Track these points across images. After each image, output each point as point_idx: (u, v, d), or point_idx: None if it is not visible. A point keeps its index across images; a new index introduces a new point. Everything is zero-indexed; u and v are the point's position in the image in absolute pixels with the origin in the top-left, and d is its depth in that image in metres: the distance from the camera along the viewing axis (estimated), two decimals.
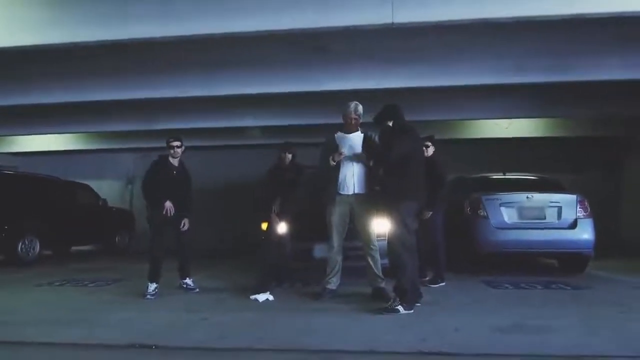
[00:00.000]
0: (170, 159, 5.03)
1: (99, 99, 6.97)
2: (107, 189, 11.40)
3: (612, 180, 10.95)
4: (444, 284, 5.29)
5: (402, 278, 3.93)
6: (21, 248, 7.65)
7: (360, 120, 4.55)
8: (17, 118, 8.70)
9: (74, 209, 9.19)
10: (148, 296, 4.70)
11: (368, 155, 4.37)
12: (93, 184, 10.40)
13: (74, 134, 10.72)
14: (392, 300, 3.90)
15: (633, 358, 2.74)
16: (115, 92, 6.78)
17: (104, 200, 10.20)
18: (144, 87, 6.55)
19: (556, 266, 6.85)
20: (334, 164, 4.41)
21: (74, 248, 9.87)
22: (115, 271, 6.98)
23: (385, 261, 4.55)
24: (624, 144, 10.66)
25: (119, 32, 4.62)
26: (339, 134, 4.56)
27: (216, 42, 5.10)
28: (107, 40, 4.74)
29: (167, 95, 6.69)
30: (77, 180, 9.96)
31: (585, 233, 5.93)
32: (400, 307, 3.82)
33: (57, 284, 5.80)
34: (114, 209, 10.76)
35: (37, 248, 7.98)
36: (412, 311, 3.86)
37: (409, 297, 3.90)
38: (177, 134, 5.22)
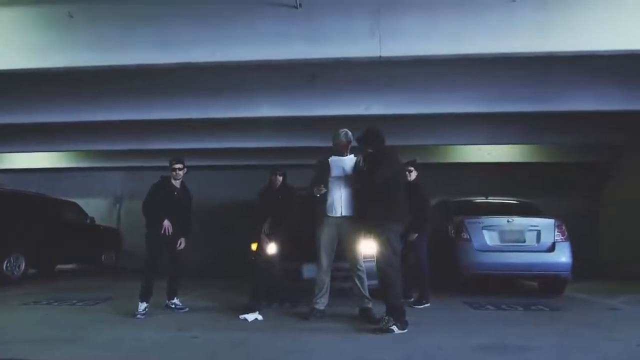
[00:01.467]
0: (172, 181, 5.16)
1: (92, 120, 7.10)
2: (95, 207, 11.39)
3: (590, 204, 11.35)
4: (428, 305, 5.43)
5: (392, 296, 4.07)
6: (6, 266, 7.59)
7: (351, 146, 4.75)
8: (6, 135, 8.73)
9: (61, 226, 9.15)
10: (138, 315, 4.74)
11: (354, 180, 4.56)
12: (81, 202, 10.39)
13: (63, 152, 10.74)
14: (386, 321, 4.01)
15: None
16: (111, 112, 6.91)
17: (92, 219, 10.19)
18: (140, 109, 6.71)
19: (536, 288, 7.06)
20: (318, 195, 4.57)
21: (59, 266, 9.77)
22: (102, 290, 6.97)
23: (373, 282, 4.70)
24: (601, 169, 11.10)
25: (119, 58, 4.79)
26: (333, 158, 4.73)
27: (212, 68, 5.32)
28: (107, 66, 4.91)
29: (162, 117, 6.85)
30: (65, 198, 9.95)
31: (562, 256, 6.18)
32: (394, 327, 3.94)
33: (44, 302, 5.78)
34: (101, 227, 10.72)
35: (23, 266, 7.93)
36: (406, 330, 3.97)
37: (403, 317, 4.03)
38: (179, 156, 5.35)
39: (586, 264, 7.87)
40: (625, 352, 3.46)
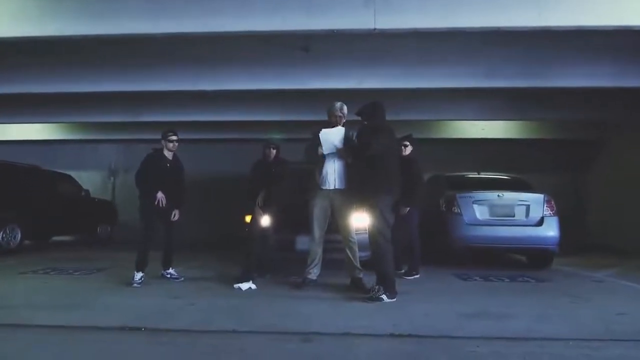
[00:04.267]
0: (165, 152, 5.18)
1: (85, 91, 7.03)
2: (90, 179, 11.40)
3: (580, 180, 11.52)
4: (418, 276, 5.58)
5: (383, 266, 4.19)
6: (2, 237, 7.66)
7: (344, 120, 4.78)
8: None
9: (56, 198, 9.19)
10: (134, 284, 4.85)
11: (347, 152, 4.62)
12: (75, 175, 10.39)
13: (57, 124, 10.67)
14: (376, 290, 4.14)
15: (578, 340, 3.05)
16: (103, 84, 6.85)
17: (87, 191, 10.22)
18: (132, 79, 6.65)
19: (524, 261, 7.25)
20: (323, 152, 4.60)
21: (55, 238, 9.86)
22: (97, 261, 7.08)
23: (364, 254, 4.83)
24: (592, 146, 11.20)
25: (111, 27, 4.74)
26: (322, 132, 4.78)
27: (205, 39, 5.27)
28: (97, 35, 4.85)
29: (154, 89, 6.80)
30: (60, 171, 9.95)
31: (551, 230, 6.33)
32: (384, 296, 4.07)
33: (41, 272, 5.89)
34: (96, 200, 10.76)
35: (19, 237, 8.00)
36: (394, 299, 4.11)
37: (392, 286, 4.16)
38: (173, 128, 5.36)
39: (574, 238, 8.06)
40: (602, 320, 3.60)
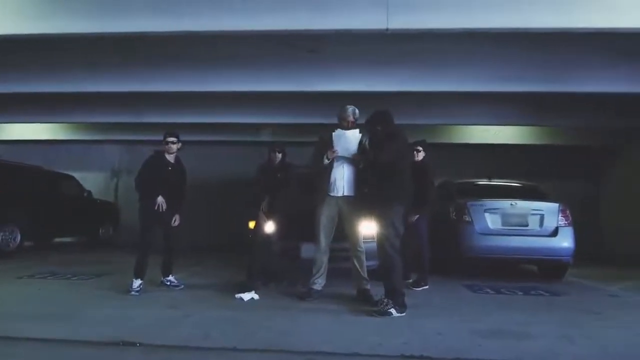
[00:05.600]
0: (166, 155, 5.00)
1: (86, 90, 6.88)
2: (92, 180, 11.25)
3: (594, 188, 11.22)
4: (427, 287, 5.36)
5: (393, 279, 3.99)
6: (1, 238, 7.52)
7: (356, 124, 4.59)
8: (1, 105, 8.53)
9: (58, 199, 9.06)
10: (132, 292, 4.67)
11: (359, 160, 4.41)
12: (78, 176, 10.27)
13: (59, 124, 10.55)
14: (384, 304, 3.93)
15: None
16: (104, 83, 6.69)
17: (89, 192, 10.09)
18: (135, 80, 6.48)
19: (536, 272, 7.00)
20: (327, 161, 4.43)
21: (56, 239, 9.73)
22: (98, 265, 6.92)
23: (371, 263, 4.62)
24: (607, 153, 10.92)
25: (112, 25, 4.57)
26: (337, 132, 4.57)
27: (210, 38, 5.10)
28: (100, 33, 4.69)
29: (157, 89, 6.64)
30: (62, 171, 9.82)
31: (565, 241, 6.08)
32: (393, 310, 3.87)
33: (39, 276, 5.73)
34: (98, 201, 10.64)
35: (18, 239, 7.85)
36: (404, 314, 3.90)
37: (402, 300, 3.95)
38: (174, 130, 5.18)
39: (587, 248, 7.80)
40: (629, 342, 3.39)
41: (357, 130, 4.56)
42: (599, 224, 10.82)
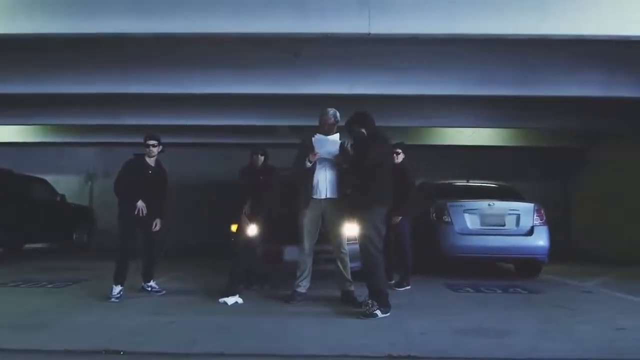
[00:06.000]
0: (147, 158, 4.91)
1: (62, 92, 6.67)
2: (66, 184, 10.94)
3: (565, 189, 11.60)
4: (409, 287, 5.44)
5: (376, 280, 4.03)
6: None
7: (337, 126, 4.61)
8: None
9: (29, 204, 8.77)
10: (112, 299, 4.56)
11: (342, 160, 4.44)
12: (51, 179, 9.96)
13: (32, 126, 10.20)
14: (369, 305, 3.95)
15: None
16: (80, 85, 6.48)
17: (62, 196, 9.80)
18: (113, 81, 6.32)
19: (512, 270, 7.19)
20: (310, 164, 4.45)
21: (28, 246, 9.40)
22: (74, 271, 6.73)
23: (355, 265, 4.66)
24: (578, 155, 11.31)
25: (91, 26, 4.44)
26: (317, 136, 4.59)
27: (191, 40, 5.05)
28: (78, 34, 4.56)
29: (136, 91, 6.50)
30: (34, 174, 9.50)
31: (541, 240, 6.28)
32: (378, 312, 3.90)
33: (12, 284, 5.54)
34: (72, 206, 10.33)
35: None
36: (388, 314, 3.94)
37: (386, 300, 3.99)
38: (154, 133, 5.08)
39: (558, 246, 8.06)
40: (604, 336, 3.51)
41: (338, 135, 4.59)
42: (568, 223, 11.20)
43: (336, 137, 4.60)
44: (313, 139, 4.57)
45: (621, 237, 9.08)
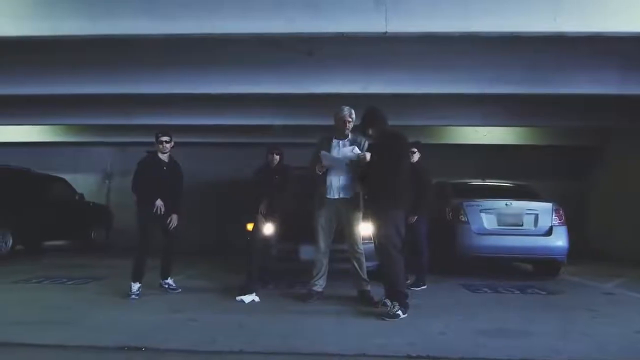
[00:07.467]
0: (160, 155, 4.95)
1: (78, 92, 6.77)
2: (84, 183, 11.10)
3: (581, 188, 11.39)
4: (425, 287, 5.41)
5: (395, 278, 4.00)
6: None
7: (353, 124, 4.60)
8: None
9: (49, 202, 8.93)
10: (132, 296, 4.63)
11: (353, 172, 4.40)
12: (69, 178, 10.13)
13: (50, 126, 10.39)
14: (391, 306, 3.92)
15: None
16: (95, 86, 6.58)
17: (81, 195, 9.96)
18: (127, 82, 6.39)
19: (530, 270, 7.10)
20: (320, 173, 4.46)
21: (47, 243, 9.59)
22: (93, 268, 6.85)
23: (370, 264, 4.65)
24: (593, 153, 11.10)
25: (105, 27, 4.50)
26: (334, 142, 4.58)
27: (204, 41, 5.06)
28: (92, 35, 4.62)
29: (150, 92, 6.57)
30: (53, 174, 9.68)
31: (559, 240, 6.19)
32: (400, 312, 3.86)
33: (35, 281, 5.65)
34: (90, 204, 10.51)
35: (10, 242, 7.74)
36: (406, 315, 3.91)
37: (405, 300, 3.97)
38: (166, 129, 5.11)
39: (576, 246, 7.93)
40: (624, 339, 3.46)
41: (349, 143, 4.52)
42: (585, 222, 11.00)
43: (352, 140, 4.57)
44: (321, 153, 4.49)
45: (637, 237, 8.87)
